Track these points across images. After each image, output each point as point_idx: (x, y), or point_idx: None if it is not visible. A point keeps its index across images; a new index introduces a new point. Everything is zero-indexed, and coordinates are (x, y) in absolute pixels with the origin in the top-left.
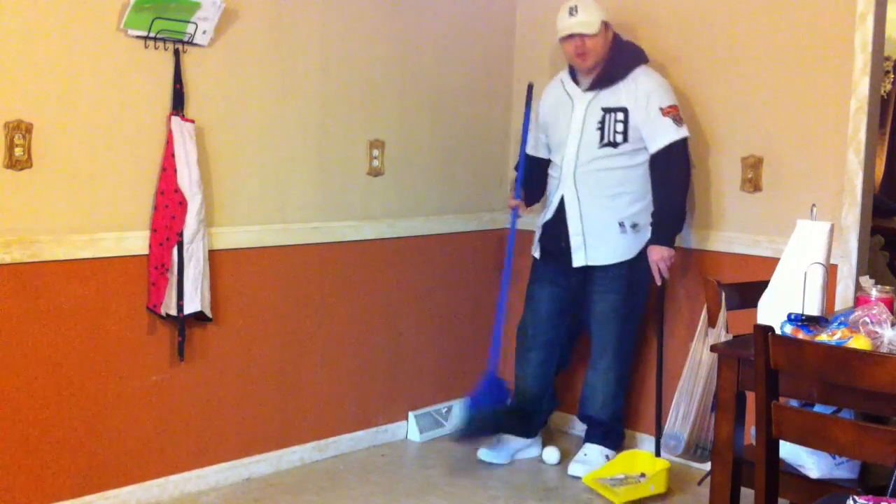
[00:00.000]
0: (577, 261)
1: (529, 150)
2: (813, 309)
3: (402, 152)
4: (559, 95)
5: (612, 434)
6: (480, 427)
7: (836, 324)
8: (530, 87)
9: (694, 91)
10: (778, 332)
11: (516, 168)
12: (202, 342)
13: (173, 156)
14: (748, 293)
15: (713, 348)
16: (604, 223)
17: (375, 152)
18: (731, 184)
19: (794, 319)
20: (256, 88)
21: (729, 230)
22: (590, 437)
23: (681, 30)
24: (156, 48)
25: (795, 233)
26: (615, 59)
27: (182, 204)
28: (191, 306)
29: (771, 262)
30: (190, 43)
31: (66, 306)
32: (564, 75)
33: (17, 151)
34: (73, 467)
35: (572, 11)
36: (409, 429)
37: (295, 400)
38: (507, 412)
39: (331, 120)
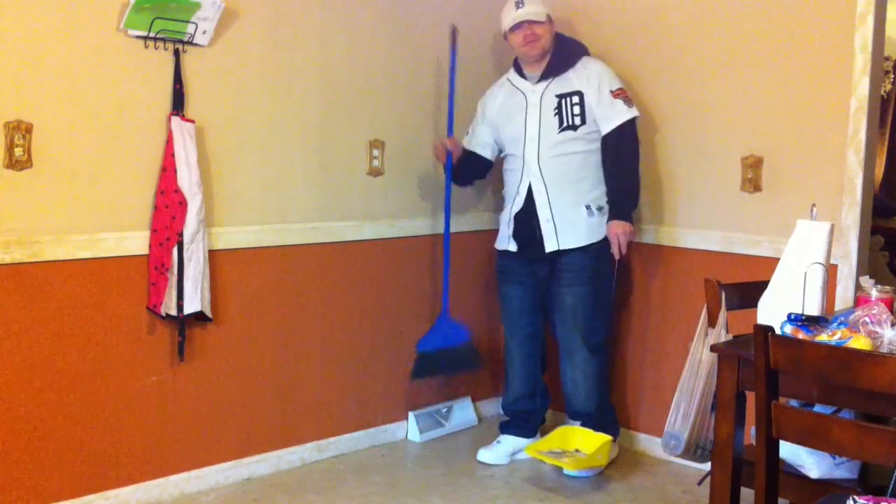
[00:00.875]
0: (550, 246)
1: (468, 146)
2: (813, 309)
3: (402, 152)
4: (508, 93)
5: (606, 425)
6: (431, 366)
7: (836, 324)
8: (454, 30)
9: (694, 91)
10: (778, 332)
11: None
12: (202, 342)
13: (173, 156)
14: (748, 293)
15: (713, 348)
16: (571, 207)
17: (375, 152)
18: (731, 184)
19: (794, 319)
20: (256, 88)
21: (729, 230)
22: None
23: (681, 30)
24: (156, 48)
25: (795, 233)
26: (560, 50)
27: (182, 204)
28: (191, 306)
29: (771, 262)
30: (190, 43)
31: (66, 306)
32: (510, 74)
33: (17, 151)
34: (73, 467)
35: (519, 3)
36: (409, 429)
37: (295, 400)
38: (458, 350)
39: (331, 120)
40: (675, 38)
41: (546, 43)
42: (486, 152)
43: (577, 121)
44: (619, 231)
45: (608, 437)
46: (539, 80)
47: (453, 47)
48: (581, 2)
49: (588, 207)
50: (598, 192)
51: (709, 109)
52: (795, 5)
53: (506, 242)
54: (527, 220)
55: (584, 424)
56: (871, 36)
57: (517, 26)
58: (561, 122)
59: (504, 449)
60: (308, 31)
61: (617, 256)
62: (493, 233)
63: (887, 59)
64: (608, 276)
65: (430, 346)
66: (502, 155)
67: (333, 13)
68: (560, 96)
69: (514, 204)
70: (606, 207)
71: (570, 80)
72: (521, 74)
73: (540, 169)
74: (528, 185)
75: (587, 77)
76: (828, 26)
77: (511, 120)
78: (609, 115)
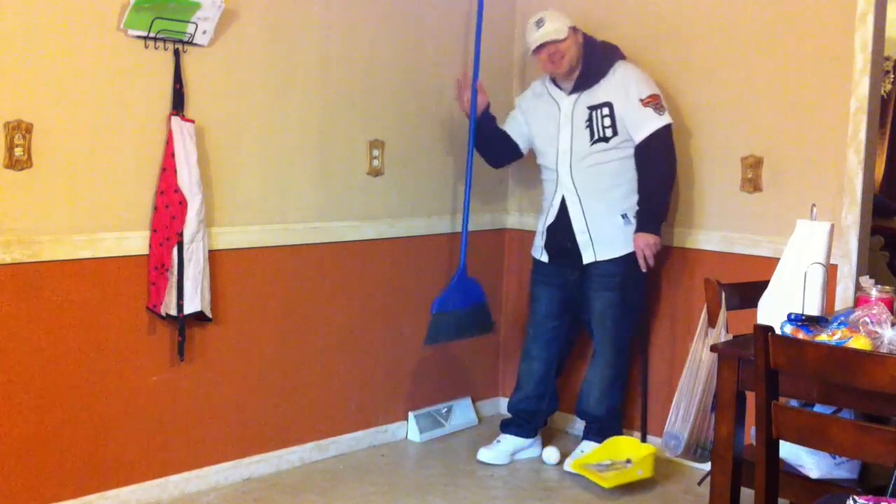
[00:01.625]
0: (587, 258)
1: (504, 126)
2: (813, 309)
3: (402, 152)
4: (544, 96)
5: (609, 431)
6: (447, 329)
7: (836, 324)
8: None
9: (694, 91)
10: (778, 332)
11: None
12: (202, 342)
13: (173, 156)
14: (748, 293)
15: (713, 348)
16: (607, 217)
17: (375, 152)
18: (731, 184)
19: (794, 319)
20: (256, 88)
21: (729, 230)
22: (587, 434)
23: (681, 30)
24: (156, 48)
25: (795, 233)
26: (591, 59)
27: (182, 204)
28: (191, 306)
29: (771, 262)
30: (190, 43)
31: (66, 306)
32: (547, 81)
33: (17, 151)
34: (73, 467)
35: (539, 23)
36: (409, 429)
37: (295, 400)
38: (473, 310)
39: (331, 120)
40: (675, 39)
41: (572, 58)
42: (519, 140)
43: (609, 132)
44: (642, 244)
45: (653, 449)
46: (571, 92)
47: (480, 13)
48: (581, 4)
49: (625, 216)
50: (634, 199)
51: (709, 109)
52: (795, 5)
53: (539, 253)
54: (559, 233)
55: (588, 426)
56: (871, 36)
57: (539, 48)
58: (592, 135)
59: (504, 448)
60: (308, 31)
61: (644, 269)
62: (494, 233)
63: (887, 59)
64: (638, 282)
65: (447, 307)
66: (537, 162)
67: (333, 13)
68: (591, 108)
69: (548, 216)
70: None
71: (601, 91)
72: (556, 83)
73: (573, 181)
74: (561, 197)
75: (616, 86)
76: (828, 26)
77: (545, 127)
78: (638, 124)
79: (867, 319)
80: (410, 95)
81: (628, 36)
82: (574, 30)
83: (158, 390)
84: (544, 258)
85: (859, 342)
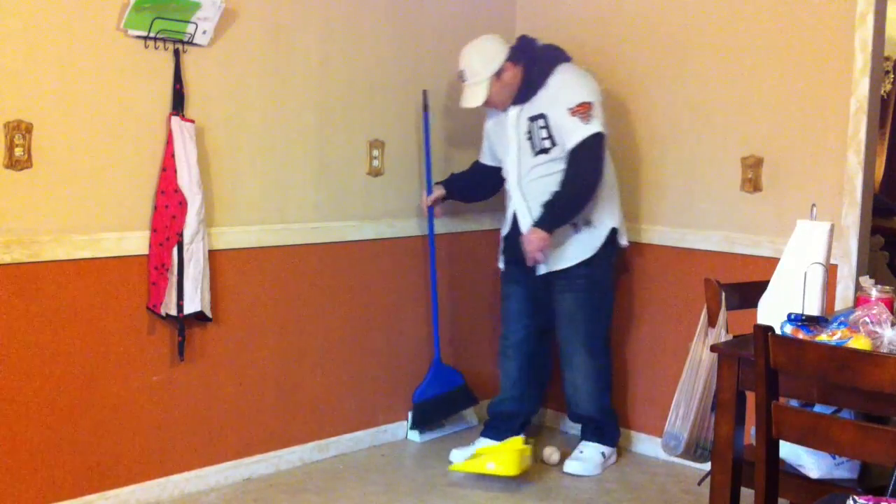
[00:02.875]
0: (540, 269)
1: (481, 159)
2: (813, 309)
3: (402, 152)
4: (499, 111)
5: (607, 429)
6: (430, 414)
7: (836, 324)
8: (425, 93)
9: (694, 91)
10: (778, 332)
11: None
12: (202, 342)
13: (173, 156)
14: (748, 293)
15: (713, 348)
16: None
17: (375, 152)
18: (731, 184)
19: (794, 319)
20: (256, 88)
21: (729, 230)
22: (585, 435)
23: (681, 30)
24: (156, 48)
25: (795, 233)
26: (530, 75)
27: (182, 204)
28: (191, 306)
29: (771, 262)
30: (190, 43)
31: (66, 306)
32: None
33: (17, 151)
34: (73, 467)
35: (461, 76)
36: (409, 429)
37: (295, 400)
38: (453, 393)
39: (331, 120)
40: (675, 39)
41: (508, 92)
42: (496, 162)
43: (547, 143)
44: (531, 238)
45: (520, 447)
46: (514, 104)
47: (426, 109)
48: (580, 3)
49: (575, 224)
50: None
51: (709, 109)
52: (795, 5)
53: (500, 262)
54: (515, 244)
55: (584, 427)
56: (871, 36)
57: None
58: (534, 147)
59: (474, 451)
60: (308, 31)
61: (529, 264)
62: (494, 233)
63: (887, 59)
64: (604, 283)
65: (427, 395)
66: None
67: (333, 13)
68: (531, 119)
69: (504, 226)
70: (594, 220)
71: (538, 102)
72: None
73: (522, 194)
74: (513, 209)
75: (550, 96)
76: (828, 26)
77: (501, 141)
78: (568, 134)
79: (867, 319)
80: (410, 95)
81: (628, 36)
82: (500, 71)
83: (158, 390)
84: (502, 265)
85: (859, 342)
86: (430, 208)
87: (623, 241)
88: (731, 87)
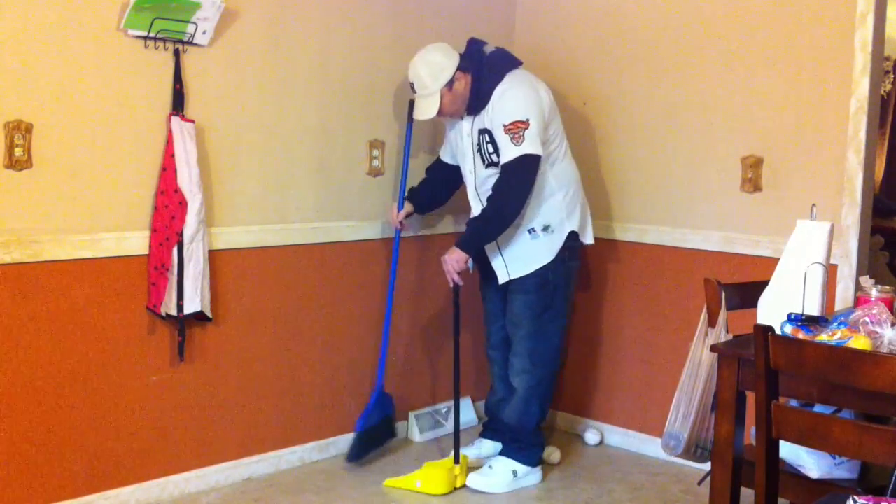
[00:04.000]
0: (501, 278)
1: (443, 157)
2: (813, 309)
3: (402, 152)
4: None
5: (525, 446)
6: (367, 445)
7: (836, 324)
8: (411, 103)
9: (694, 91)
10: (778, 332)
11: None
12: (202, 342)
13: (173, 156)
14: (748, 293)
15: (713, 348)
16: (514, 235)
17: (375, 152)
18: (731, 184)
19: (794, 319)
20: (256, 88)
21: (729, 230)
22: (503, 449)
23: (681, 30)
24: (156, 48)
25: (795, 233)
26: (479, 86)
27: (182, 204)
28: (191, 306)
29: (771, 262)
30: (190, 43)
31: (66, 306)
32: None
33: (17, 151)
34: (73, 467)
35: (413, 88)
36: (409, 429)
37: (295, 400)
38: (381, 423)
39: (331, 120)
40: (675, 39)
41: (459, 103)
42: (456, 162)
43: (495, 157)
44: (447, 258)
45: (447, 463)
46: (468, 114)
47: (410, 120)
48: (580, 3)
49: (532, 231)
50: (539, 211)
51: (709, 109)
52: (795, 6)
53: (469, 263)
54: (479, 252)
55: (502, 438)
56: (871, 36)
57: None
58: (483, 160)
59: (477, 452)
60: (308, 31)
61: (450, 285)
62: None
63: (887, 59)
64: (556, 282)
65: (369, 424)
66: None
67: (333, 13)
68: (480, 131)
69: None
70: (553, 224)
71: (485, 115)
72: None
73: (480, 201)
74: (474, 214)
75: (493, 110)
76: (828, 26)
77: (457, 143)
78: (502, 150)
79: (867, 319)
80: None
81: (628, 36)
82: (450, 83)
83: (158, 390)
84: (471, 266)
85: (859, 342)
86: (398, 230)
87: (587, 239)
88: (730, 87)
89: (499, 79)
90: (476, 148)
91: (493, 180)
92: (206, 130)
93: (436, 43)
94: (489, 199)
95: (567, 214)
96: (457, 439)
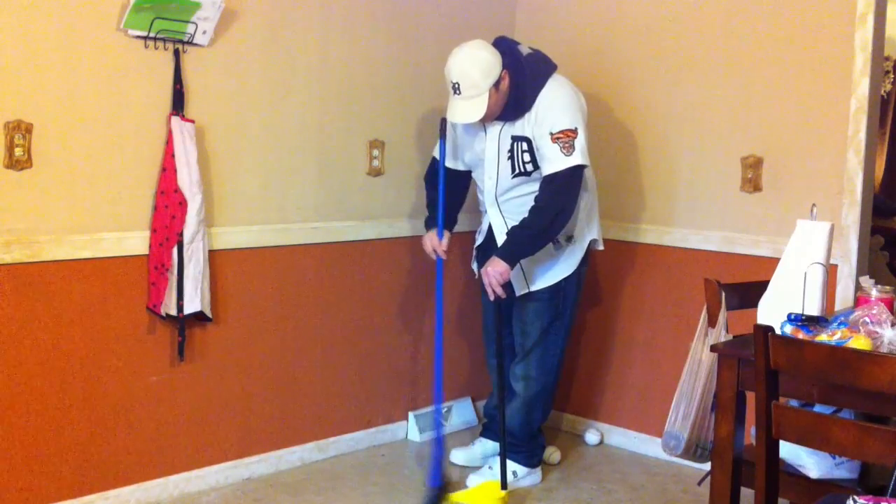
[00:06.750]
0: (520, 290)
1: (450, 164)
2: (813, 309)
3: (402, 152)
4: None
5: (526, 449)
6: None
7: (836, 324)
8: (443, 121)
9: (694, 91)
10: (778, 332)
11: (431, 206)
12: (202, 342)
13: (173, 156)
14: (748, 293)
15: (713, 348)
16: None
17: (375, 152)
18: (731, 184)
19: (794, 319)
20: (256, 88)
21: (729, 230)
22: (489, 434)
23: (681, 30)
24: (156, 48)
25: (795, 233)
26: (519, 91)
27: (182, 204)
28: (191, 306)
29: (771, 262)
30: (190, 43)
31: (66, 306)
32: None
33: (17, 151)
34: (73, 467)
35: (455, 89)
36: (409, 429)
37: (295, 400)
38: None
39: (331, 120)
40: (675, 39)
41: (501, 103)
42: (460, 166)
43: (529, 167)
44: (490, 270)
45: (499, 494)
46: (499, 119)
47: (442, 134)
48: (580, 4)
49: (556, 241)
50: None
51: (709, 109)
52: (795, 5)
53: (474, 264)
54: (488, 256)
55: (495, 436)
56: (871, 36)
57: None
58: (513, 168)
59: (477, 451)
60: (308, 31)
61: (491, 298)
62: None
63: (887, 59)
64: (570, 296)
65: (441, 480)
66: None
67: (333, 13)
68: (514, 139)
69: (479, 235)
70: (576, 235)
71: (523, 122)
72: None
73: (500, 210)
74: (489, 221)
75: (536, 118)
76: (828, 26)
77: (471, 145)
78: (547, 159)
79: (867, 319)
80: (410, 95)
81: (628, 36)
82: (496, 83)
83: (158, 390)
84: (475, 269)
85: (859, 342)
86: (440, 259)
87: (599, 246)
88: (731, 87)
89: (541, 84)
90: (507, 155)
91: (519, 190)
92: (206, 130)
93: (474, 40)
94: (535, 210)
95: (587, 223)
96: (503, 466)
